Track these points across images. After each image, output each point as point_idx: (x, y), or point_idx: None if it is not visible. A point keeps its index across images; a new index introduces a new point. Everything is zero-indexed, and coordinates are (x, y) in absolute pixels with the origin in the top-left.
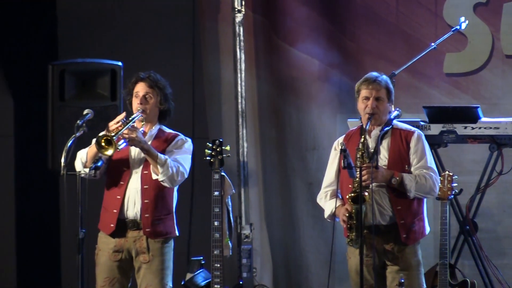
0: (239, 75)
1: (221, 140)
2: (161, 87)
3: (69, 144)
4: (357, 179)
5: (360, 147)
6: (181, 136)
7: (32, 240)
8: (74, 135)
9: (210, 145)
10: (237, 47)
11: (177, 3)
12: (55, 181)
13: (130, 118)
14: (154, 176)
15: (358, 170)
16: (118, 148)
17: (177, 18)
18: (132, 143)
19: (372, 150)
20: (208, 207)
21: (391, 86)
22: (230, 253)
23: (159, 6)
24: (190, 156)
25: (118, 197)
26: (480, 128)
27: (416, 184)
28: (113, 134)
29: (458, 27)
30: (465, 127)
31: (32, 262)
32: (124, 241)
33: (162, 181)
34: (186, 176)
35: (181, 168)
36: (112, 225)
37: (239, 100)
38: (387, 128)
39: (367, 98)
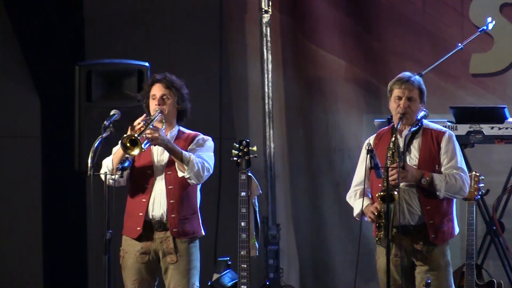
0: (266, 75)
1: (248, 140)
2: (177, 88)
3: (96, 144)
4: (392, 177)
5: (391, 146)
6: (201, 135)
7: (58, 241)
8: (101, 136)
9: (237, 145)
10: (264, 47)
11: (204, 4)
12: (81, 182)
13: (151, 118)
14: (180, 174)
15: (385, 170)
16: (143, 148)
17: (204, 19)
18: (155, 143)
19: (402, 150)
20: (235, 207)
21: (423, 87)
22: (257, 254)
23: (186, 7)
24: (213, 154)
25: (144, 200)
26: (507, 128)
27: (446, 184)
28: (136, 134)
29: (484, 27)
30: (492, 128)
31: (58, 263)
32: (150, 242)
33: (188, 178)
34: (211, 172)
35: (206, 164)
36: (138, 228)
37: (266, 101)
38: (414, 129)
39: (399, 98)
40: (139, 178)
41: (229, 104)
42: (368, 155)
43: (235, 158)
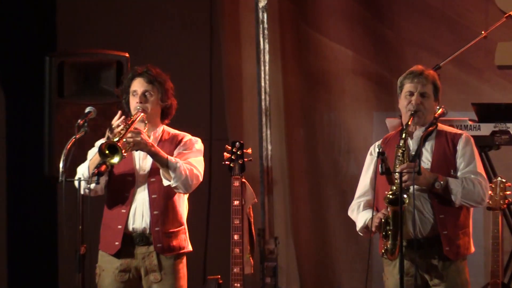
0: (262, 67)
1: (242, 142)
2: (161, 82)
3: (68, 146)
4: (397, 180)
5: (400, 144)
6: (189, 136)
7: (25, 256)
8: (74, 136)
9: (230, 147)
10: (261, 36)
11: None
12: (52, 189)
13: (131, 119)
14: (165, 183)
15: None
16: (124, 155)
17: (192, 3)
18: (138, 147)
19: (414, 153)
20: (227, 218)
21: (438, 82)
22: (252, 271)
23: None
24: (201, 155)
25: (123, 210)
26: None
27: (463, 189)
28: (116, 139)
29: None
30: None
31: (25, 281)
32: (131, 259)
33: (175, 187)
34: (200, 179)
35: (194, 171)
36: (117, 243)
37: (263, 97)
38: (428, 128)
39: (411, 93)
40: (118, 186)
41: (221, 100)
42: (379, 159)
43: (227, 162)
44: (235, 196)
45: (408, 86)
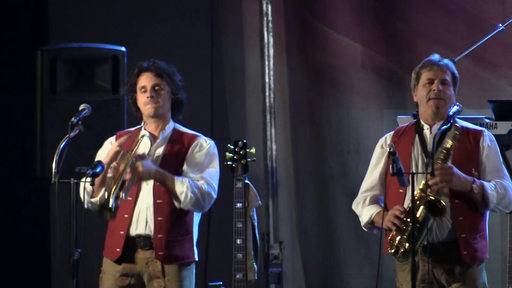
0: (266, 62)
1: (245, 141)
2: (170, 74)
3: (61, 146)
4: (432, 181)
5: (447, 145)
6: (202, 138)
7: (16, 263)
8: (67, 135)
9: (232, 147)
10: (265, 29)
11: None
12: (44, 191)
13: (131, 147)
14: (176, 204)
15: (409, 177)
16: (123, 198)
17: None
18: (140, 181)
19: (431, 149)
20: (229, 221)
21: (456, 72)
22: (256, 277)
23: None
24: (218, 163)
25: (126, 215)
26: None
27: (497, 194)
28: (112, 191)
29: None
30: None
31: (17, 285)
32: (133, 264)
33: (188, 210)
34: (215, 196)
35: (206, 188)
36: (118, 250)
37: (267, 93)
38: (444, 127)
39: (430, 81)
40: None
41: (223, 97)
42: (390, 158)
43: (229, 162)
44: (237, 198)
45: (427, 74)
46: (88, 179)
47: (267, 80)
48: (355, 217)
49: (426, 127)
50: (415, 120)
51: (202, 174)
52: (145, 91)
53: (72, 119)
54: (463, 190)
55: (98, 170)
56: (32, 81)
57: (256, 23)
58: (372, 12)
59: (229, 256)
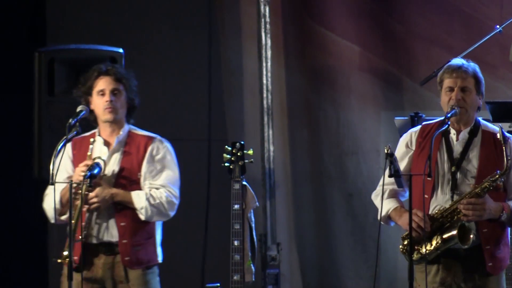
0: (264, 64)
1: (242, 143)
2: (128, 79)
3: (59, 147)
4: (464, 211)
5: (494, 178)
6: (157, 141)
7: (13, 264)
8: (65, 137)
9: (230, 148)
10: (262, 30)
11: None
12: (42, 192)
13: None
14: (141, 218)
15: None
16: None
17: None
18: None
19: (459, 156)
20: (226, 223)
21: (480, 75)
22: (253, 279)
23: None
24: (176, 164)
25: (84, 223)
26: None
27: None
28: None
29: None
30: None
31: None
32: (94, 270)
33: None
34: (176, 201)
35: (165, 197)
36: (75, 258)
37: (265, 95)
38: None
39: (451, 89)
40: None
41: (220, 99)
42: (388, 160)
43: (227, 164)
44: (235, 200)
45: (447, 82)
46: (87, 181)
47: (264, 81)
48: (353, 219)
49: (453, 132)
50: (442, 118)
51: (161, 181)
52: (104, 95)
53: (70, 120)
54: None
55: (95, 171)
56: (30, 82)
57: (254, 24)
58: (369, 14)
59: (226, 258)
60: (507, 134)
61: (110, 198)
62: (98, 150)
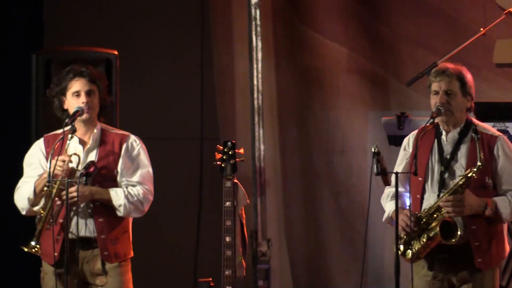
0: (255, 65)
1: (234, 142)
2: (101, 80)
3: (56, 146)
4: (445, 209)
5: (467, 174)
6: (131, 138)
7: (11, 259)
8: (61, 137)
9: (221, 147)
10: (253, 33)
11: None
12: None
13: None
14: (118, 214)
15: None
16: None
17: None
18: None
19: (448, 156)
20: (218, 220)
21: (466, 78)
22: (244, 274)
23: None
24: (148, 160)
25: (61, 220)
26: None
27: (511, 209)
28: (36, 233)
29: (511, 9)
30: None
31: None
32: (73, 265)
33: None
34: (152, 198)
35: (142, 194)
36: (56, 254)
37: (255, 95)
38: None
39: (436, 93)
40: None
41: (212, 99)
42: (375, 159)
43: (218, 162)
44: (226, 197)
45: (434, 85)
46: (82, 179)
47: (255, 82)
48: (341, 215)
49: (443, 133)
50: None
51: (137, 177)
52: (79, 96)
53: (66, 119)
54: (475, 213)
55: (92, 169)
56: (28, 83)
57: (245, 27)
58: (357, 17)
59: (218, 253)
60: (494, 131)
61: (89, 195)
62: (73, 148)
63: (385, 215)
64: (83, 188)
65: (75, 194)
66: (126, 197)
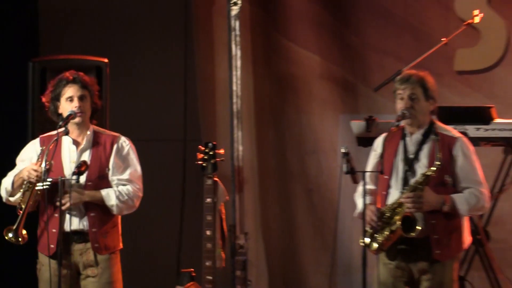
0: (234, 72)
1: (214, 143)
2: (92, 85)
3: (51, 146)
4: (406, 205)
5: (426, 173)
6: (121, 139)
7: (5, 258)
8: (55, 139)
9: (203, 148)
10: (233, 42)
11: None
12: None
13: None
14: (114, 213)
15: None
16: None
17: (168, 11)
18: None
19: (412, 156)
20: (199, 215)
21: (429, 83)
22: (223, 265)
23: None
24: (137, 160)
25: (56, 215)
26: (493, 130)
27: (468, 205)
28: (14, 227)
29: (471, 21)
30: (478, 129)
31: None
32: (68, 256)
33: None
34: (141, 194)
35: (132, 192)
36: (52, 246)
37: (234, 100)
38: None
39: (401, 98)
40: (52, 191)
41: (194, 104)
42: (344, 158)
43: (200, 162)
44: (207, 194)
45: (399, 91)
46: (74, 177)
47: (234, 88)
48: (313, 211)
49: (408, 135)
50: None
51: (127, 176)
52: (72, 101)
53: (60, 122)
54: (434, 209)
55: (83, 169)
56: (25, 88)
57: (225, 37)
58: (329, 27)
59: (199, 246)
60: (455, 133)
61: (82, 199)
62: (67, 148)
63: (357, 211)
64: (78, 197)
65: (68, 205)
66: (117, 197)
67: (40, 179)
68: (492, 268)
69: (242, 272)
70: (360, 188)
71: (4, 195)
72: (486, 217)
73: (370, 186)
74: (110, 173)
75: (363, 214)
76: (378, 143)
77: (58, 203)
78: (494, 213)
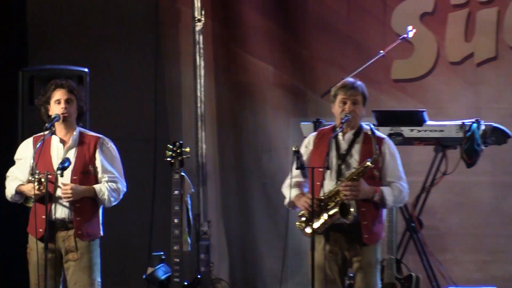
0: (198, 80)
1: (181, 142)
2: (78, 90)
3: (38, 145)
4: (343, 193)
5: (365, 164)
6: (104, 140)
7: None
8: (42, 139)
9: (171, 146)
10: (197, 54)
11: (141, 13)
12: None
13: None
14: (105, 205)
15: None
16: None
17: (141, 27)
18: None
19: (344, 152)
20: (168, 205)
21: (366, 92)
22: (189, 249)
23: (123, 16)
24: (119, 157)
25: (43, 204)
26: (425, 131)
27: (393, 197)
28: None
29: (405, 35)
30: (412, 130)
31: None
32: (54, 242)
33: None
34: (124, 189)
35: (120, 187)
36: (41, 230)
37: (199, 104)
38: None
39: (344, 102)
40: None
41: (164, 107)
42: (295, 156)
43: (169, 159)
44: (175, 187)
45: (341, 96)
46: (59, 172)
47: (198, 94)
48: (267, 202)
49: (340, 134)
50: (333, 124)
51: (114, 174)
52: (59, 103)
53: (46, 124)
54: (367, 198)
55: (66, 164)
56: (15, 95)
57: (190, 49)
58: (281, 41)
59: (168, 232)
60: (382, 135)
61: (80, 194)
62: (56, 146)
63: (287, 200)
64: (77, 188)
65: (70, 192)
66: (109, 191)
67: (37, 196)
68: (425, 252)
69: (206, 255)
70: (287, 182)
71: (9, 198)
72: (419, 207)
73: (298, 179)
74: (99, 171)
75: (292, 203)
76: (309, 140)
77: (44, 193)
78: (426, 203)
